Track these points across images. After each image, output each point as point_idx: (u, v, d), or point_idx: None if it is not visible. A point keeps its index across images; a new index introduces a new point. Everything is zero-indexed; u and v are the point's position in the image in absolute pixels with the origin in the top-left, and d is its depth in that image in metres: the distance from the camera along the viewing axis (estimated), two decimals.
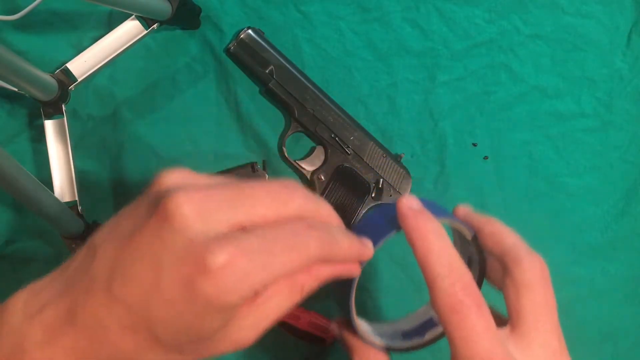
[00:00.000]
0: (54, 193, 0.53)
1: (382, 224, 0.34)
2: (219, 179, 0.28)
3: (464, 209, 0.37)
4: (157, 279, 0.24)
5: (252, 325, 0.28)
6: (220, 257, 0.23)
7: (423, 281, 0.58)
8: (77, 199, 0.53)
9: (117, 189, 0.57)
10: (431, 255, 0.32)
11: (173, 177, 0.28)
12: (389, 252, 0.57)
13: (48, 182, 0.53)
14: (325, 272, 0.29)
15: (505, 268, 0.33)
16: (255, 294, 0.26)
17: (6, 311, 0.29)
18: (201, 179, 0.28)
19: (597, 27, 0.61)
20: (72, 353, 0.26)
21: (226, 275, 0.23)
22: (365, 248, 0.32)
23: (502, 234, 0.34)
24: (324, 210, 0.29)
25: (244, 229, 0.25)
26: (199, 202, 0.25)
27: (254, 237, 0.25)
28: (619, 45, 0.61)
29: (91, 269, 0.26)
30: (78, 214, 0.52)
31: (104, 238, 0.27)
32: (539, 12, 0.61)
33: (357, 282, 0.33)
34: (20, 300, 0.30)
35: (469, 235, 0.35)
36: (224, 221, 0.25)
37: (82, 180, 0.54)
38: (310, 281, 0.28)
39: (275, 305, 0.27)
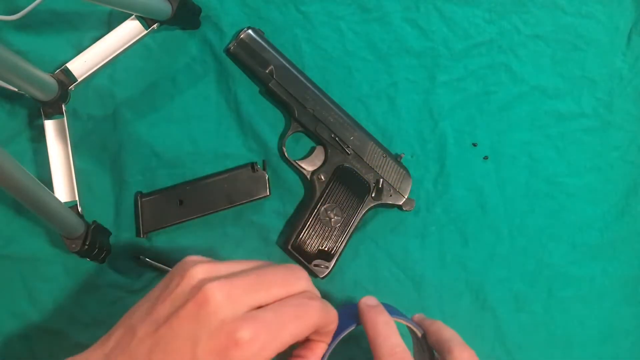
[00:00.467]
0: (54, 193, 0.53)
1: (344, 320, 0.41)
2: (238, 265, 0.36)
3: (418, 315, 0.47)
4: (194, 352, 0.31)
5: None
6: (247, 333, 0.31)
7: (423, 281, 0.59)
8: (77, 199, 0.53)
9: (117, 189, 0.57)
10: (378, 339, 0.39)
11: (201, 270, 0.34)
12: (389, 252, 0.57)
13: (48, 182, 0.53)
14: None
15: (442, 357, 0.41)
16: None
17: None
18: (222, 267, 0.35)
19: (597, 27, 0.61)
20: None
21: (253, 346, 0.31)
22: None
23: (441, 331, 0.43)
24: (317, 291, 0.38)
25: (261, 306, 0.33)
26: (228, 290, 0.32)
27: (271, 312, 0.33)
28: (619, 45, 0.61)
29: (130, 347, 0.32)
30: (78, 214, 0.52)
31: (142, 319, 0.33)
32: (539, 12, 0.61)
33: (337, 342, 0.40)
34: None
35: (419, 333, 0.44)
36: (247, 304, 0.33)
37: (82, 180, 0.55)
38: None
39: None
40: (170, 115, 0.58)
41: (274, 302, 0.34)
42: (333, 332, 0.39)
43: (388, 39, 0.59)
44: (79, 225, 0.51)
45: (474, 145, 0.59)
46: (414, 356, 0.43)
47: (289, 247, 0.55)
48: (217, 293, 0.32)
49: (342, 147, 0.56)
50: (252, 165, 0.56)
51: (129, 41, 0.55)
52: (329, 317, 0.37)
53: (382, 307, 0.42)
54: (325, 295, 0.56)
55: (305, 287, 0.36)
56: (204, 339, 0.31)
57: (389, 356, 0.38)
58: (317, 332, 0.37)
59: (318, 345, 0.39)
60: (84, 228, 0.51)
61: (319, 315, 0.36)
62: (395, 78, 0.59)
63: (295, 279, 0.36)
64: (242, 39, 0.55)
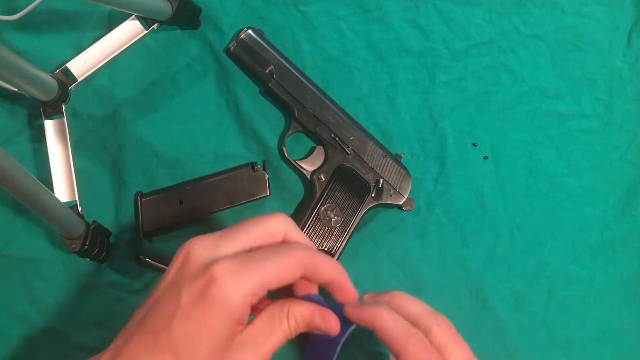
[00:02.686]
0: (54, 193, 0.53)
1: (342, 322, 0.38)
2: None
3: (368, 295, 0.44)
4: (178, 301, 0.32)
5: (255, 345, 0.34)
6: (222, 267, 0.32)
7: (423, 281, 0.59)
8: (77, 199, 0.53)
9: (117, 189, 0.57)
10: (388, 331, 0.38)
11: (192, 240, 0.35)
12: (389, 252, 0.57)
13: (48, 182, 0.53)
14: (306, 309, 0.36)
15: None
16: (253, 308, 0.34)
17: None
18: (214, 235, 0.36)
19: (597, 27, 0.61)
20: None
21: (229, 279, 0.31)
22: (346, 281, 0.37)
23: (407, 306, 0.41)
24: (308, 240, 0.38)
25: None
26: (210, 240, 0.34)
27: (249, 251, 0.34)
28: (619, 45, 0.61)
29: (127, 326, 0.34)
30: (78, 214, 0.52)
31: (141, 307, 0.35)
32: (539, 12, 0.61)
33: (339, 349, 0.38)
34: None
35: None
36: (227, 250, 0.34)
37: (82, 180, 0.54)
38: (294, 310, 0.36)
39: (267, 332, 0.35)
40: (170, 115, 0.58)
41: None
42: (331, 279, 0.36)
43: (388, 39, 0.59)
44: (79, 225, 0.51)
45: (474, 145, 0.59)
46: None
47: None
48: (196, 245, 0.34)
49: (342, 147, 0.56)
50: (252, 165, 0.56)
51: (129, 41, 0.55)
52: (323, 262, 0.35)
53: (367, 305, 0.40)
54: (325, 295, 0.56)
55: (284, 226, 0.36)
56: (186, 286, 0.32)
57: (408, 339, 0.37)
58: (309, 277, 0.35)
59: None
60: (84, 228, 0.51)
61: (301, 250, 0.35)
62: (395, 78, 0.59)
63: (275, 221, 0.36)
64: (242, 39, 0.55)
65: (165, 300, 0.33)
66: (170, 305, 0.32)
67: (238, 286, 0.32)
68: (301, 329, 0.36)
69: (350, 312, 0.39)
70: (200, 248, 0.34)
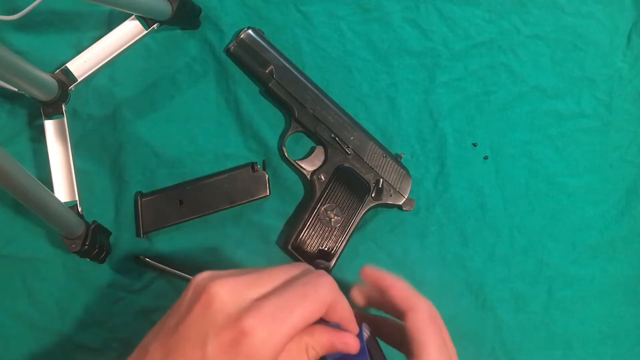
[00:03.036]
0: (54, 193, 0.53)
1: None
2: (244, 270, 0.35)
3: (370, 269, 0.43)
4: (204, 351, 0.30)
5: None
6: (253, 320, 0.30)
7: (423, 281, 0.59)
8: (77, 199, 0.53)
9: (117, 189, 0.57)
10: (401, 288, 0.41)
11: (206, 275, 0.34)
12: (389, 252, 0.57)
13: (48, 182, 0.53)
14: (325, 337, 0.35)
15: (403, 314, 0.40)
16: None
17: None
18: (226, 271, 0.34)
19: (597, 27, 0.61)
20: None
21: (260, 333, 0.30)
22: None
23: (396, 288, 0.42)
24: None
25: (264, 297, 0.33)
26: (232, 285, 0.32)
27: (275, 296, 0.32)
28: (619, 45, 0.61)
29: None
30: (78, 214, 0.52)
31: (153, 337, 0.33)
32: (539, 12, 0.61)
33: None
34: None
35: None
36: (252, 297, 0.32)
37: (82, 180, 0.54)
38: (313, 343, 0.35)
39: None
40: (170, 115, 0.58)
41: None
42: (347, 317, 0.36)
43: (388, 39, 0.59)
44: (79, 225, 0.51)
45: (474, 145, 0.59)
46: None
47: (289, 247, 0.55)
48: (220, 290, 0.32)
49: (342, 147, 0.56)
50: (252, 165, 0.56)
51: (129, 41, 0.55)
52: (343, 299, 0.35)
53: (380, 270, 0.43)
54: None
55: (332, 297, 0.35)
56: (212, 336, 0.31)
57: (416, 298, 0.41)
58: (329, 316, 0.35)
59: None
60: (84, 228, 0.51)
61: (327, 290, 0.34)
62: (395, 78, 0.59)
63: (296, 269, 0.35)
64: (242, 39, 0.55)
65: (189, 347, 0.31)
66: (195, 355, 0.31)
67: (270, 340, 0.31)
68: (321, 354, 0.36)
69: (367, 273, 0.42)
70: (226, 293, 0.32)
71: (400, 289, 0.41)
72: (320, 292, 0.34)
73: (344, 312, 0.36)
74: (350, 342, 0.37)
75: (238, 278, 0.33)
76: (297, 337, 0.35)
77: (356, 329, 0.38)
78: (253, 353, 0.30)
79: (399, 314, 0.41)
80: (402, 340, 0.40)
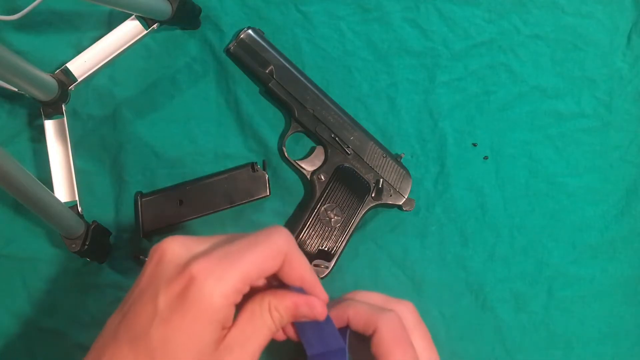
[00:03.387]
0: (54, 193, 0.53)
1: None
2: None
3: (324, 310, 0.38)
4: (155, 305, 0.29)
5: (241, 347, 0.32)
6: (200, 265, 0.30)
7: (423, 281, 0.59)
8: (77, 199, 0.53)
9: (117, 189, 0.57)
10: (362, 311, 0.38)
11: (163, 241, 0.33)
12: (389, 252, 0.57)
13: (48, 182, 0.53)
14: (288, 298, 0.34)
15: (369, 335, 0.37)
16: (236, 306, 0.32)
17: None
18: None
19: (597, 27, 0.61)
20: None
21: (208, 278, 0.29)
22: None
23: (371, 298, 0.39)
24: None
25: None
26: (183, 240, 0.32)
27: (225, 245, 0.31)
28: (619, 45, 0.61)
29: (101, 334, 0.32)
30: (78, 214, 0.52)
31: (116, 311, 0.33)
32: (539, 12, 0.61)
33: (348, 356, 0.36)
34: None
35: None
36: (202, 249, 0.31)
37: (82, 180, 0.54)
38: (276, 303, 0.34)
39: (251, 331, 0.33)
40: (170, 115, 0.58)
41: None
42: (302, 276, 0.34)
43: (388, 39, 0.59)
44: (79, 225, 0.51)
45: (474, 145, 0.59)
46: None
47: None
48: (171, 243, 0.32)
49: (342, 147, 0.56)
50: (252, 165, 0.56)
51: (129, 41, 0.55)
52: (295, 249, 0.34)
53: (337, 300, 0.40)
54: None
55: (287, 247, 0.33)
56: (162, 289, 0.30)
57: (380, 317, 0.37)
58: (287, 274, 0.33)
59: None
60: (84, 228, 0.51)
61: (280, 238, 0.33)
62: (395, 78, 0.59)
63: (281, 241, 0.34)
64: (242, 39, 0.55)
65: (141, 305, 0.30)
66: (147, 310, 0.30)
67: (219, 285, 0.30)
68: (286, 320, 0.34)
69: (324, 314, 0.36)
70: (176, 246, 0.31)
71: (358, 316, 0.37)
72: (273, 240, 0.32)
73: (304, 271, 0.34)
74: (316, 306, 0.34)
75: (191, 236, 0.33)
76: (260, 297, 0.34)
77: (324, 296, 0.35)
78: (201, 300, 0.29)
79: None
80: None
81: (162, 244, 0.32)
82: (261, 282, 0.36)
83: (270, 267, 0.32)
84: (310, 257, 0.55)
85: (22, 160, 0.53)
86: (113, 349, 0.30)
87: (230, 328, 0.32)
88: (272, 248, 0.32)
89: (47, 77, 0.52)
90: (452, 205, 0.58)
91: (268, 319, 0.33)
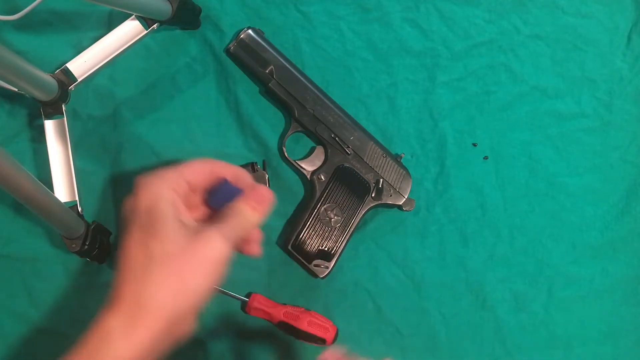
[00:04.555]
0: (54, 193, 0.53)
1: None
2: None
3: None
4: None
5: (223, 234, 0.38)
6: (144, 177, 0.38)
7: (423, 281, 0.59)
8: (77, 199, 0.53)
9: (117, 189, 0.57)
10: None
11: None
12: (389, 252, 0.57)
13: (48, 182, 0.53)
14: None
15: None
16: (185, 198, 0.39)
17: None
18: None
19: (597, 27, 0.61)
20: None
21: (150, 181, 0.38)
22: None
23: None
24: None
25: None
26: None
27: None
28: (619, 45, 0.61)
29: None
30: (78, 214, 0.52)
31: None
32: (539, 12, 0.61)
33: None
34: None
35: None
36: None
37: (82, 180, 0.54)
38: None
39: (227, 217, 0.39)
40: (170, 115, 0.58)
41: None
42: (234, 172, 0.41)
43: (388, 39, 0.59)
44: (79, 225, 0.51)
45: (474, 145, 0.59)
46: None
47: (289, 247, 0.55)
48: (140, 180, 0.39)
49: (342, 147, 0.56)
50: (252, 165, 0.56)
51: (129, 41, 0.55)
52: (218, 161, 0.41)
53: None
54: (325, 295, 0.56)
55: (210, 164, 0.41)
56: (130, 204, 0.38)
57: None
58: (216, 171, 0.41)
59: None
60: (84, 228, 0.51)
61: (208, 158, 0.41)
62: (395, 78, 0.59)
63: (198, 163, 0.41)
64: (242, 39, 0.55)
65: (123, 235, 0.37)
66: (125, 229, 0.37)
67: (160, 182, 0.38)
68: (247, 213, 0.40)
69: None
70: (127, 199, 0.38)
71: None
72: (209, 160, 0.41)
73: (234, 168, 0.41)
74: (261, 190, 0.41)
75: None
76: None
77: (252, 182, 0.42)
78: (151, 195, 0.37)
79: None
80: None
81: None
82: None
83: (200, 170, 0.41)
84: (310, 257, 0.55)
85: (22, 160, 0.53)
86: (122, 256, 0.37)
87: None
88: (198, 160, 0.41)
89: (47, 77, 0.52)
90: (452, 205, 0.58)
91: (231, 215, 0.39)
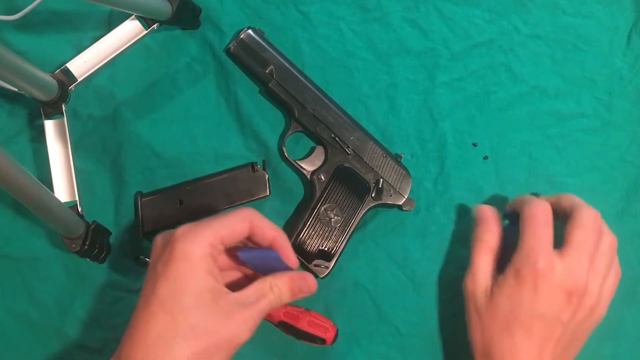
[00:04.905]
0: (54, 193, 0.53)
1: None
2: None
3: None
4: (155, 272, 0.39)
5: (241, 310, 0.39)
6: (178, 230, 0.39)
7: (423, 281, 0.59)
8: (77, 199, 0.53)
9: (117, 189, 0.57)
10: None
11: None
12: (389, 252, 0.57)
13: (48, 182, 0.53)
14: (286, 277, 0.43)
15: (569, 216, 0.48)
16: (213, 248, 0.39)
17: None
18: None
19: (597, 27, 0.61)
20: None
21: (185, 237, 0.38)
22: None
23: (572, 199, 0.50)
24: None
25: None
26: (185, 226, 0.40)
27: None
28: (619, 45, 0.61)
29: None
30: (78, 214, 0.52)
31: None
32: (539, 12, 0.61)
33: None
34: None
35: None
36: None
37: (82, 180, 0.54)
38: (277, 280, 0.42)
39: (255, 296, 0.40)
40: (170, 115, 0.58)
41: None
42: (273, 237, 0.43)
43: (388, 39, 0.59)
44: (79, 225, 0.51)
45: (474, 145, 0.59)
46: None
47: None
48: (159, 236, 0.41)
49: (342, 147, 0.56)
50: (252, 165, 0.56)
51: (129, 41, 0.55)
52: (260, 216, 0.42)
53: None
54: (325, 295, 0.56)
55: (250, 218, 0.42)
56: (157, 259, 0.39)
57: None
58: (255, 237, 0.42)
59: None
60: (84, 228, 0.51)
61: (245, 210, 0.42)
62: (395, 78, 0.59)
63: (240, 217, 0.42)
64: (242, 39, 0.55)
65: (147, 280, 0.39)
66: (151, 277, 0.38)
67: (196, 240, 0.38)
68: (285, 295, 0.42)
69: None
70: (160, 235, 0.40)
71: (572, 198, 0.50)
72: (238, 212, 0.41)
73: (273, 231, 0.42)
74: (307, 278, 0.43)
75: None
76: (261, 279, 0.41)
77: (293, 259, 0.44)
78: (184, 253, 0.38)
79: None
80: None
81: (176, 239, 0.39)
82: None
83: (239, 229, 0.41)
84: (310, 257, 0.55)
85: (22, 160, 0.53)
86: (137, 315, 0.38)
87: (236, 292, 0.39)
88: (237, 214, 0.41)
89: (47, 77, 0.52)
90: (452, 205, 0.58)
91: (269, 292, 0.41)
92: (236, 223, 0.40)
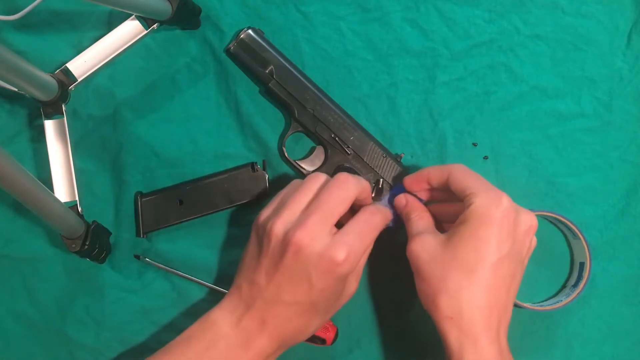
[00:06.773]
0: (54, 193, 0.53)
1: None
2: (297, 205, 0.46)
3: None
4: (310, 280, 0.43)
5: (355, 279, 0.48)
6: (342, 253, 0.43)
7: None
8: (77, 199, 0.53)
9: (117, 189, 0.57)
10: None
11: (280, 226, 0.44)
12: (389, 252, 0.57)
13: (48, 182, 0.53)
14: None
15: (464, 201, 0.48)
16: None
17: (213, 324, 0.45)
18: (288, 214, 0.45)
19: (597, 27, 0.61)
20: (268, 345, 0.45)
21: (349, 260, 0.43)
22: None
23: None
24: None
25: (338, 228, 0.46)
26: (309, 232, 0.43)
27: (351, 232, 0.45)
28: (619, 45, 0.61)
29: (261, 292, 0.44)
30: (78, 214, 0.52)
31: (254, 273, 0.45)
32: (539, 12, 0.61)
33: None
34: (219, 316, 0.46)
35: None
36: (327, 232, 0.44)
37: (82, 180, 0.55)
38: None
39: (363, 260, 0.48)
40: (170, 115, 0.58)
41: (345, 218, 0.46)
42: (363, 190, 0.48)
43: (388, 39, 0.59)
44: (79, 225, 0.51)
45: (474, 145, 0.59)
46: None
47: None
48: (303, 239, 0.43)
49: (342, 147, 0.56)
50: (252, 165, 0.56)
51: (129, 41, 0.55)
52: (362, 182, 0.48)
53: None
54: None
55: (355, 190, 0.46)
56: (312, 271, 0.43)
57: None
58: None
59: None
60: (84, 228, 0.51)
61: (384, 217, 0.49)
62: (395, 78, 0.59)
63: (345, 190, 0.46)
64: (242, 39, 0.55)
65: (296, 280, 0.43)
66: (304, 285, 0.43)
67: (355, 262, 0.44)
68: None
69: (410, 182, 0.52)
70: (307, 238, 0.43)
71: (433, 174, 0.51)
72: (381, 220, 0.48)
73: (365, 188, 0.48)
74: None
75: (309, 222, 0.43)
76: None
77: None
78: (344, 274, 0.43)
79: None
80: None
81: (294, 239, 0.43)
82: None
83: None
84: None
85: (22, 160, 0.54)
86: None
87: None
88: (379, 226, 0.48)
89: (47, 77, 0.52)
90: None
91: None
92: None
